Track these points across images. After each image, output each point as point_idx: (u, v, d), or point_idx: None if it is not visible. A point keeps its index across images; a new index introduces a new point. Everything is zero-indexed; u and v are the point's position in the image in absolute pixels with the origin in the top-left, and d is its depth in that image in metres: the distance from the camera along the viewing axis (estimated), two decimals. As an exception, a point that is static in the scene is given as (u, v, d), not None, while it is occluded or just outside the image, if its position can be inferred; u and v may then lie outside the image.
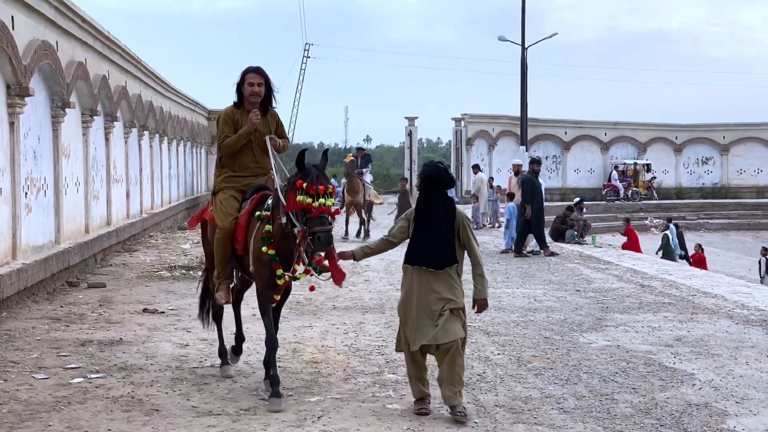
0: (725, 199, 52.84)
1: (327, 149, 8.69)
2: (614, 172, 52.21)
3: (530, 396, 8.25)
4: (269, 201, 8.02)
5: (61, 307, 13.04)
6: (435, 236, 7.60)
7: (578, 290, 15.45)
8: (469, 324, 11.83)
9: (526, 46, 45.34)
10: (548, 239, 23.04)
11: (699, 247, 28.35)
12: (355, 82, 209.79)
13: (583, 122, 55.75)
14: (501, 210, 29.95)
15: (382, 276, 17.27)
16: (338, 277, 8.14)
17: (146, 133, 25.79)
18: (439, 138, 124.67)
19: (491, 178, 35.91)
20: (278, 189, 7.87)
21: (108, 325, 11.59)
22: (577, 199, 30.34)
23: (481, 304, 7.76)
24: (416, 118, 50.24)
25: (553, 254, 21.56)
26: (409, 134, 49.88)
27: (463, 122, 49.18)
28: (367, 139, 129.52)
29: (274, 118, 8.81)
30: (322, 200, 7.43)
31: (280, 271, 7.90)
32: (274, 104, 8.82)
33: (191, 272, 17.29)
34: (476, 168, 34.03)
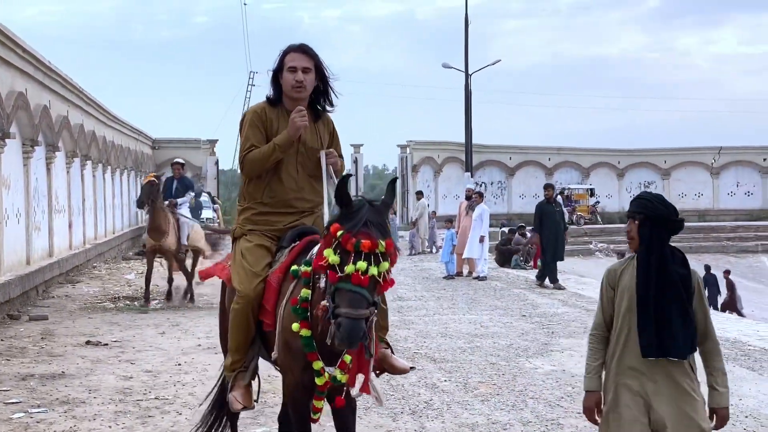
0: (667, 222, 53.46)
1: (395, 178, 5.54)
2: (559, 197, 52.69)
3: (477, 422, 8.25)
4: (315, 250, 5.21)
5: (2, 340, 12.82)
6: (670, 306, 4.94)
7: (524, 315, 15.53)
8: (416, 351, 11.91)
9: (470, 72, 45.70)
10: (493, 264, 23.11)
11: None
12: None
13: (527, 148, 56.28)
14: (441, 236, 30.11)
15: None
16: (364, 388, 5.23)
17: (89, 162, 25.53)
18: (385, 165, 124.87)
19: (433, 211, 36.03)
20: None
21: (50, 359, 11.41)
22: (520, 224, 30.56)
23: (723, 415, 5.05)
24: (362, 145, 50.49)
25: (559, 287, 20.31)
26: (355, 161, 50.00)
27: (408, 149, 49.43)
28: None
29: (327, 125, 6.13)
30: (361, 264, 4.61)
31: (318, 364, 5.09)
32: (331, 104, 6.13)
33: (135, 303, 17.13)
34: (420, 194, 34.44)
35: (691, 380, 4.93)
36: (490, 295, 18.73)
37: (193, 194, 19.06)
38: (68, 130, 22.36)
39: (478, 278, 21.92)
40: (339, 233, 4.69)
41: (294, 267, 5.37)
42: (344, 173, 5.64)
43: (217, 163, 50.00)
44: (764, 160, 56.83)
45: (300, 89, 5.83)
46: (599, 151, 58.13)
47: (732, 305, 28.29)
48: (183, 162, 19.54)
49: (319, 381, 5.11)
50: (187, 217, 17.98)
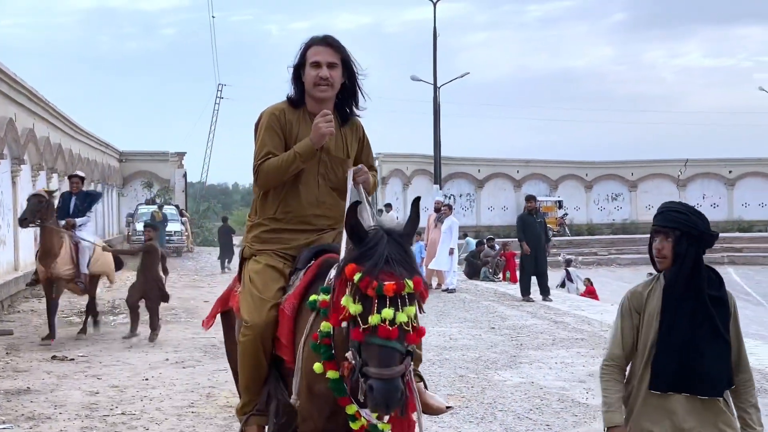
0: (635, 234, 53.84)
1: (419, 198, 4.49)
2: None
3: (446, 435, 8.24)
4: (333, 273, 4.44)
5: (-34, 356, 12.67)
6: (700, 335, 4.30)
7: (493, 327, 15.56)
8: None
9: (438, 85, 45.82)
10: (462, 276, 23.10)
11: (588, 281, 28.78)
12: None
13: (495, 160, 56.50)
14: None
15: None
16: None
17: (55, 175, 25.34)
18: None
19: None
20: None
21: (15, 374, 11.29)
22: (489, 236, 30.65)
23: None
24: (330, 158, 50.27)
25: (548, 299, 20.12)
26: (324, 174, 49.88)
27: (377, 161, 49.30)
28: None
29: (356, 131, 5.35)
30: (387, 313, 3.86)
31: (352, 408, 4.28)
32: (359, 108, 5.33)
33: (102, 317, 16.99)
34: (389, 207, 34.38)
35: (728, 420, 4.33)
36: (459, 308, 18.74)
37: (90, 215, 15.06)
38: (34, 143, 22.20)
39: (447, 290, 21.93)
40: (356, 277, 3.91)
41: (312, 297, 4.54)
42: (355, 200, 4.69)
43: (185, 175, 49.83)
44: (729, 172, 57.41)
45: (325, 87, 5.05)
46: (567, 164, 58.48)
47: None
48: (83, 175, 15.94)
49: (354, 426, 4.29)
50: (88, 240, 14.51)
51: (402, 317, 3.86)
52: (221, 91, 67.06)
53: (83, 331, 14.68)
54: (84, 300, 15.95)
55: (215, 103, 66.94)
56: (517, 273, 22.29)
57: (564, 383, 10.54)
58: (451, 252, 22.13)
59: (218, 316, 5.88)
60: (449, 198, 46.12)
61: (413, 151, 51.83)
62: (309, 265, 4.92)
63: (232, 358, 5.58)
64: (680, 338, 4.27)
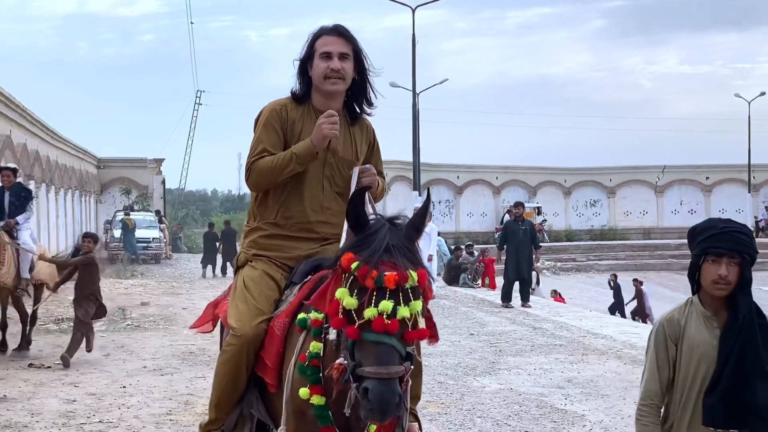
0: (613, 240, 54.06)
1: (429, 188, 3.65)
2: (506, 215, 53.04)
3: (425, 442, 8.23)
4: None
5: (-58, 364, 12.56)
6: (751, 365, 3.92)
7: (472, 334, 15.57)
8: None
9: (417, 91, 45.86)
10: (441, 283, 23.11)
11: (555, 292, 28.88)
12: (247, 129, 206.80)
13: (474, 167, 56.66)
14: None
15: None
16: None
17: (32, 182, 25.20)
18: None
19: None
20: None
21: (-9, 382, 11.20)
22: (468, 242, 30.71)
23: None
24: (309, 164, 50.31)
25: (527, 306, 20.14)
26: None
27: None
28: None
29: (366, 132, 4.96)
30: (385, 305, 3.45)
31: None
32: (370, 106, 4.92)
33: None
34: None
35: None
36: (439, 314, 18.75)
37: (32, 210, 13.50)
38: (11, 149, 22.09)
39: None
40: (354, 265, 3.51)
41: (301, 315, 4.08)
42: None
43: (163, 182, 49.68)
44: (707, 178, 57.74)
45: (337, 80, 4.64)
46: (546, 170, 58.68)
47: (641, 313, 28.85)
48: (14, 167, 14.14)
49: None
50: (26, 248, 12.82)
51: (404, 312, 3.44)
52: (200, 97, 67.00)
53: (22, 346, 13.29)
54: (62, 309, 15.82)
55: (194, 110, 66.88)
56: (497, 279, 22.29)
57: (542, 389, 10.55)
58: (430, 258, 22.16)
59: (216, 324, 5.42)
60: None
61: (392, 157, 51.92)
62: (305, 280, 4.45)
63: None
64: (737, 371, 3.91)
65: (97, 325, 16.67)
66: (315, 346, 3.88)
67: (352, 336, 3.48)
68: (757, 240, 49.73)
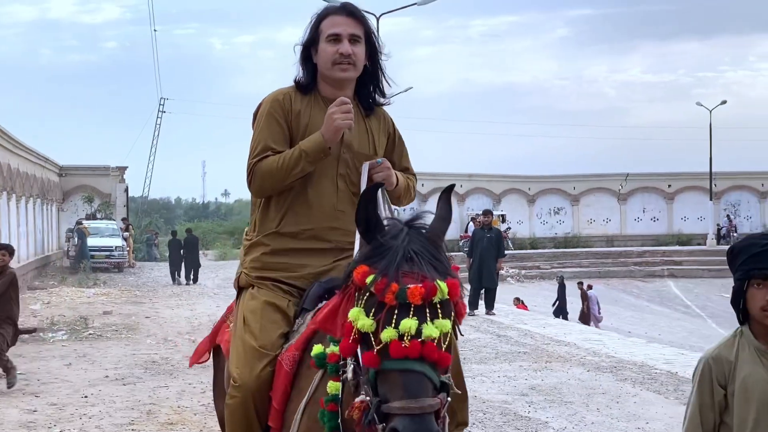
0: (577, 248, 54.35)
1: (452, 185, 3.43)
2: (471, 223, 53.18)
3: (389, 450, 8.22)
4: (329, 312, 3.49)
5: None
6: None
7: (436, 342, 15.57)
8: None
9: (381, 100, 45.96)
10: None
11: (518, 300, 28.95)
12: (212, 137, 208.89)
13: (439, 174, 56.71)
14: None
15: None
16: None
17: (-7, 190, 24.95)
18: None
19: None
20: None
21: (-50, 393, 11.06)
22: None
23: None
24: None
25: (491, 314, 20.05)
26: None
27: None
28: (226, 194, 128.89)
29: (384, 123, 4.28)
30: (408, 324, 2.78)
31: None
32: (384, 95, 4.26)
33: (41, 334, 16.73)
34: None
35: None
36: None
37: None
38: (-29, 157, 21.86)
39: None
40: (369, 279, 2.84)
41: (317, 349, 3.37)
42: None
43: (126, 190, 49.35)
44: (669, 186, 58.23)
45: (347, 66, 3.99)
46: (510, 178, 58.92)
47: (585, 317, 28.99)
48: None
49: None
50: None
51: (431, 331, 2.74)
52: (163, 105, 66.70)
53: None
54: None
55: (157, 117, 66.56)
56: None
57: (506, 396, 10.58)
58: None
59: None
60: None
61: (357, 165, 51.84)
62: (320, 305, 3.70)
63: (219, 409, 4.31)
64: None
65: (59, 335, 16.56)
66: (333, 386, 3.24)
67: (370, 364, 2.80)
68: (718, 247, 50.06)
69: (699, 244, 53.32)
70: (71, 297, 23.88)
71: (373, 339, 2.81)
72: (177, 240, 34.11)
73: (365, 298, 2.87)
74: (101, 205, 44.80)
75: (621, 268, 48.59)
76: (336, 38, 3.98)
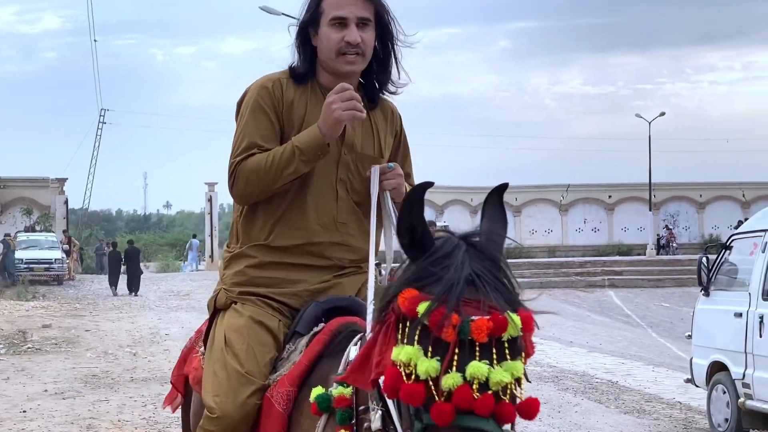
0: (519, 258, 54.75)
1: (505, 184, 2.96)
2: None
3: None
4: (353, 350, 2.85)
5: None
6: None
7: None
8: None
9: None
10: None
11: None
12: (153, 148, 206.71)
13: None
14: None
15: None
16: None
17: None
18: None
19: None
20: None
21: None
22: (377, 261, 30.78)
23: None
24: (216, 183, 50.07)
25: None
26: (210, 199, 49.59)
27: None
28: (167, 205, 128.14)
29: (391, 120, 3.61)
30: (476, 368, 2.11)
31: None
32: (393, 84, 3.55)
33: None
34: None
35: None
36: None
37: None
38: None
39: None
40: (423, 308, 2.18)
41: (318, 391, 2.84)
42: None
43: (66, 202, 48.75)
44: (609, 197, 58.93)
45: (354, 57, 3.32)
46: (453, 189, 59.21)
47: None
48: None
49: None
50: None
51: (501, 376, 2.11)
52: (104, 116, 65.97)
53: None
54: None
55: (98, 128, 65.83)
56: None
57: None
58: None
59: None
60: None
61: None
62: (316, 329, 3.17)
63: None
64: None
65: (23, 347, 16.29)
66: None
67: (443, 421, 2.11)
68: (657, 257, 50.69)
69: (639, 255, 53.99)
70: (9, 310, 23.47)
71: (432, 384, 2.13)
72: (116, 252, 34.21)
73: (417, 331, 2.17)
74: (40, 217, 44.21)
75: (562, 278, 49.01)
76: (341, 22, 3.31)
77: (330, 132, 3.22)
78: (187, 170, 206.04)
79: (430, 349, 2.15)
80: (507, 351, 2.17)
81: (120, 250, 34.52)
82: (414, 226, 2.37)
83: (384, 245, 3.39)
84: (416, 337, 2.17)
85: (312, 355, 3.06)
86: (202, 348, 3.50)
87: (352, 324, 3.12)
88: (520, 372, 2.19)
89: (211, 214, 49.46)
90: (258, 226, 3.39)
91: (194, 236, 53.63)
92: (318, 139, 3.21)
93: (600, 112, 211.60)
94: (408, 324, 2.22)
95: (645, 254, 52.76)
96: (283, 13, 36.35)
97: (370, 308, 2.81)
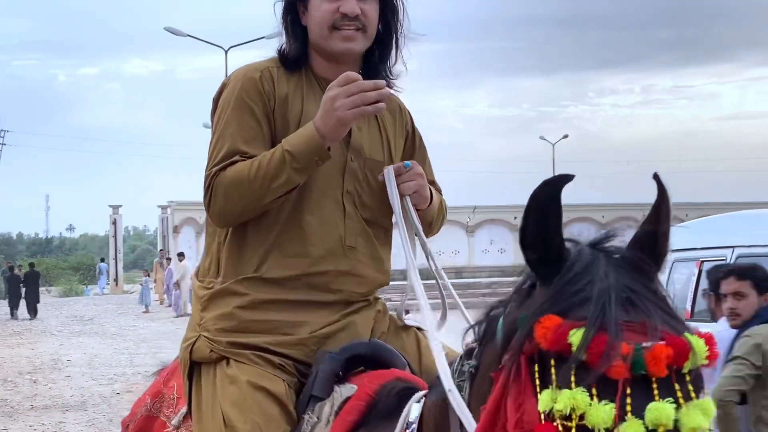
0: (427, 280, 54.41)
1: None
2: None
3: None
4: (414, 410, 2.16)
5: None
6: None
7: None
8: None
9: (231, 133, 45.62)
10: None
11: None
12: (56, 170, 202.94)
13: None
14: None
15: (85, 371, 16.55)
16: None
17: None
18: (146, 225, 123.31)
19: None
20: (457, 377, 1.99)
21: None
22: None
23: None
24: (121, 206, 49.50)
25: None
26: (114, 222, 48.86)
27: (169, 209, 48.79)
28: (71, 228, 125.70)
29: (401, 117, 2.97)
30: (661, 411, 1.46)
31: None
32: (393, 70, 2.88)
33: None
34: (181, 255, 34.10)
35: None
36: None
37: None
38: None
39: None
40: (576, 336, 1.55)
41: None
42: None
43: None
44: (515, 218, 59.61)
45: (352, 33, 2.67)
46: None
47: None
48: None
49: None
50: None
51: (695, 419, 1.52)
52: (3, 137, 64.58)
53: None
54: None
55: (-4, 150, 64.37)
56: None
57: None
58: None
59: None
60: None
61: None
62: (345, 392, 2.47)
63: None
64: None
65: None
66: None
67: None
68: (563, 277, 51.96)
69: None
70: None
71: None
72: (15, 275, 33.71)
73: (572, 370, 1.54)
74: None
75: (470, 299, 48.70)
76: None
77: (331, 134, 2.51)
78: (91, 192, 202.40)
79: (594, 391, 1.51)
80: (690, 386, 1.57)
81: (19, 274, 33.93)
82: (548, 236, 1.73)
83: (406, 265, 2.69)
84: (572, 377, 1.53)
85: (347, 427, 2.35)
86: (175, 418, 2.81)
87: (396, 382, 2.42)
88: (713, 413, 1.59)
89: (115, 237, 48.69)
90: (247, 255, 2.66)
91: (102, 260, 52.77)
92: (315, 142, 2.50)
93: (506, 134, 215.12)
94: (553, 362, 1.57)
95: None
96: (188, 35, 36.10)
97: (438, 350, 2.25)
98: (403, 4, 2.81)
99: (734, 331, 5.05)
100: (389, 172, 2.68)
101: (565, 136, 59.28)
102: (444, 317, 2.86)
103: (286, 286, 2.63)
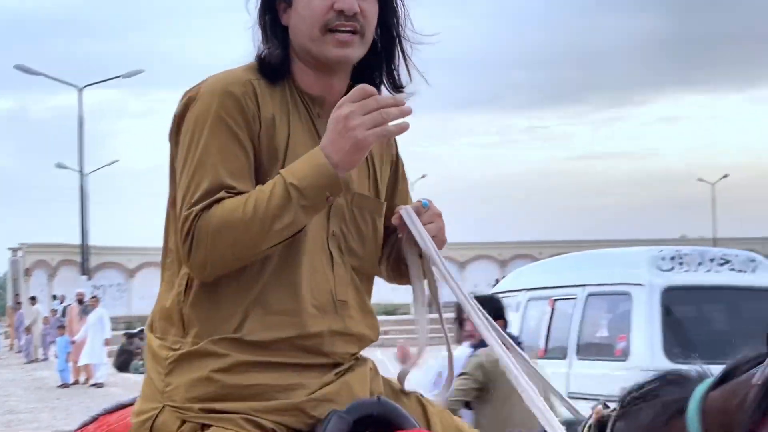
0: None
1: None
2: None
3: None
4: None
5: None
6: None
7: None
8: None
9: (85, 172, 44.58)
10: (112, 370, 22.46)
11: None
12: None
13: (148, 249, 55.29)
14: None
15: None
16: None
17: None
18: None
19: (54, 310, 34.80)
20: None
21: None
22: (140, 328, 30.07)
23: None
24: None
25: None
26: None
27: (20, 252, 47.47)
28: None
29: (387, 145, 2.41)
30: None
31: None
32: (397, 88, 2.32)
33: None
34: (33, 300, 33.40)
35: None
36: (110, 403, 18.06)
37: None
38: None
39: (95, 385, 21.16)
40: None
41: None
42: None
43: None
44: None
45: (348, 37, 2.20)
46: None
47: None
48: None
49: None
50: None
51: None
52: None
53: None
54: None
55: None
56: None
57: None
58: (108, 343, 21.83)
59: None
60: (99, 288, 44.68)
61: (60, 240, 50.00)
62: None
63: None
64: None
65: None
66: None
67: None
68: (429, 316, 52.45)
69: (405, 314, 55.25)
70: None
71: None
72: None
73: None
74: None
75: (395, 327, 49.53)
76: None
77: (346, 161, 2.06)
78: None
79: None
80: None
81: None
82: None
83: (416, 319, 2.43)
84: None
85: None
86: None
87: None
88: None
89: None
90: (222, 311, 2.16)
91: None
92: (326, 172, 2.05)
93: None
94: None
95: (411, 313, 54.09)
96: (40, 73, 35.25)
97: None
98: (404, 4, 2.35)
99: (470, 351, 6.22)
100: (408, 213, 2.25)
101: (423, 176, 59.93)
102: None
103: (271, 348, 2.15)
